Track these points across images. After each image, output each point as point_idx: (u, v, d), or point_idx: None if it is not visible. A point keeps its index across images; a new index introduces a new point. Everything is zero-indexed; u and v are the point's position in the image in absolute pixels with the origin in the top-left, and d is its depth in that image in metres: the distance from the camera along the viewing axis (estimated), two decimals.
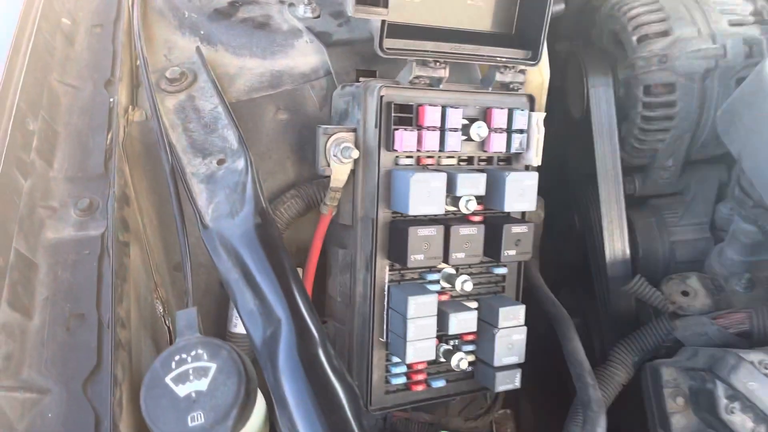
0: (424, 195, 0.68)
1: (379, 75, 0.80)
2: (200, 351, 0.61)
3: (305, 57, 0.80)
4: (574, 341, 0.77)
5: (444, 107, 0.70)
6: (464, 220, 0.75)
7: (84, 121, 0.78)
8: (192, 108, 0.76)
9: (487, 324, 0.75)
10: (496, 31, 0.76)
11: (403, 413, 0.86)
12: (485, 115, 0.74)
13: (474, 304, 0.77)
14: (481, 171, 0.73)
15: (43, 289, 0.65)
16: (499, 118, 0.74)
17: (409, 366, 0.74)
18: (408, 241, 0.68)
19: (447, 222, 0.72)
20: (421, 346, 0.70)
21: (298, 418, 0.52)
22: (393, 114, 0.69)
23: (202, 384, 0.59)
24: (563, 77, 1.01)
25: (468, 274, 0.76)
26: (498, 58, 0.74)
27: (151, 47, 0.81)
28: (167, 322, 0.73)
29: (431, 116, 0.69)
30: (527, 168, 0.78)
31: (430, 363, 0.75)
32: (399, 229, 0.70)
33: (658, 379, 0.73)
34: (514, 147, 0.75)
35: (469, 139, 0.73)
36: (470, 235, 0.72)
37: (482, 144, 0.75)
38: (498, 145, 0.74)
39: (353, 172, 0.72)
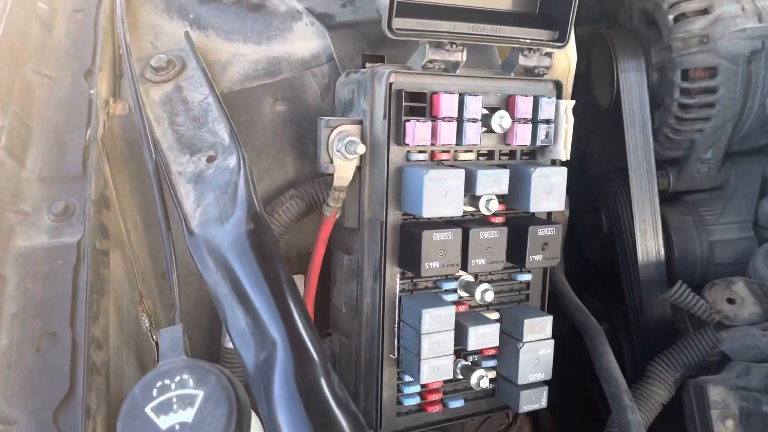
0: (440, 195, 0.60)
1: (387, 60, 0.72)
2: (185, 376, 0.53)
3: (305, 41, 0.72)
4: (608, 355, 0.69)
5: (462, 95, 0.62)
6: (484, 222, 0.66)
7: (61, 116, 0.70)
8: (180, 99, 0.68)
9: (511, 337, 0.67)
10: (519, 9, 0.67)
11: None
12: (507, 104, 0.66)
13: (495, 316, 0.69)
14: (503, 167, 0.65)
15: (12, 305, 0.58)
16: (524, 106, 0.65)
17: (423, 386, 0.67)
18: (422, 247, 0.60)
19: (465, 225, 0.64)
20: (436, 365, 0.63)
21: None
22: (404, 103, 0.61)
23: (188, 415, 0.51)
24: (587, 64, 0.93)
25: (489, 282, 0.68)
26: (521, 40, 0.65)
27: (136, 33, 0.74)
28: (154, 337, 0.65)
29: (447, 105, 0.61)
30: (554, 163, 0.69)
31: (446, 381, 0.67)
32: (411, 233, 0.62)
33: (703, 399, 0.65)
34: (540, 139, 0.67)
35: (490, 131, 0.65)
36: (491, 239, 0.64)
37: (504, 136, 0.67)
38: (522, 137, 0.66)
39: (359, 169, 0.65)
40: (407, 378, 0.66)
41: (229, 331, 0.52)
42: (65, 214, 0.63)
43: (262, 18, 0.72)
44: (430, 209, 0.60)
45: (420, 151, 0.63)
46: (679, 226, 0.85)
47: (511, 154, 0.69)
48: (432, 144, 0.62)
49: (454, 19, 0.63)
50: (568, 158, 0.68)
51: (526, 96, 0.65)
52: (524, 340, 0.66)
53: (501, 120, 0.64)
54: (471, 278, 0.68)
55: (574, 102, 0.67)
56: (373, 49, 0.72)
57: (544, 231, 0.66)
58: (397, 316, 0.65)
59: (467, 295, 0.67)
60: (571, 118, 0.67)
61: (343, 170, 0.64)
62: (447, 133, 0.62)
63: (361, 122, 0.64)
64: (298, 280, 0.76)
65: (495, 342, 0.66)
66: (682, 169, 0.87)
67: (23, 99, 0.70)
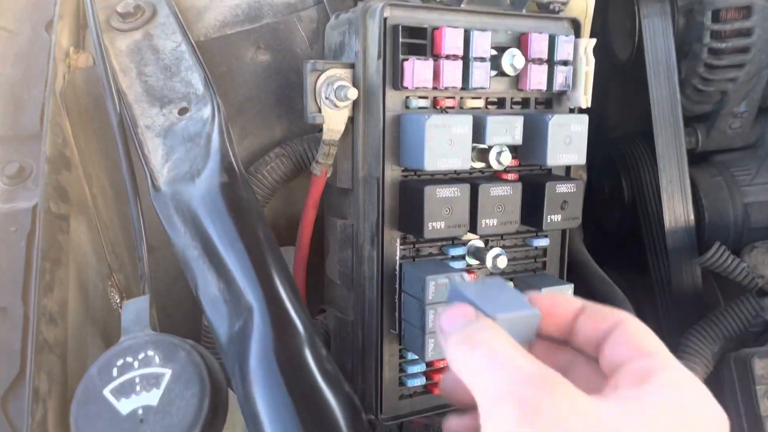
0: (444, 144, 0.52)
1: None
2: (150, 353, 0.46)
3: None
4: None
5: (468, 30, 0.54)
6: (495, 178, 0.59)
7: (19, 71, 0.63)
8: (149, 48, 0.61)
9: None
10: None
11: (421, 419, 0.71)
12: (519, 44, 0.58)
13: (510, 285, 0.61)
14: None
15: None
16: (538, 45, 0.57)
17: (428, 364, 0.59)
18: (424, 205, 0.53)
19: (474, 180, 0.56)
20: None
21: None
22: (401, 40, 0.53)
23: (153, 397, 0.44)
24: (603, 14, 0.85)
25: (501, 248, 0.60)
26: None
27: None
28: None
29: (451, 41, 0.53)
30: (573, 112, 0.61)
31: None
32: (412, 189, 0.54)
33: (747, 374, 0.58)
34: (558, 84, 0.59)
35: (500, 75, 0.57)
36: (504, 196, 0.56)
37: (516, 81, 0.59)
38: (537, 80, 0.58)
39: (352, 120, 0.57)
40: (411, 356, 0.59)
41: (200, 298, 0.45)
42: (20, 176, 0.56)
43: None
44: (432, 161, 0.52)
45: (421, 97, 0.56)
46: (710, 188, 0.77)
47: (525, 103, 0.61)
48: (434, 88, 0.54)
49: None
50: (589, 105, 0.60)
51: (540, 33, 0.57)
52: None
53: (513, 59, 0.56)
54: (481, 243, 0.60)
55: (594, 41, 0.59)
56: None
57: (563, 187, 0.58)
58: (397, 285, 0.57)
59: (477, 262, 0.60)
60: (592, 60, 0.59)
61: (334, 121, 0.56)
62: (451, 74, 0.54)
63: (353, 66, 0.56)
64: (289, 252, 0.68)
65: None
66: (712, 126, 0.78)
67: None
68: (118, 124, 0.54)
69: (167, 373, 0.45)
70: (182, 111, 0.56)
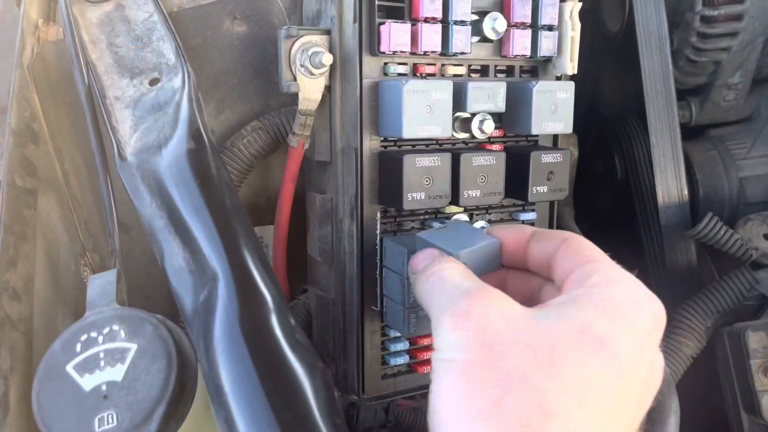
0: (423, 111, 0.50)
1: None
2: (116, 327, 0.44)
3: None
4: None
5: None
6: (478, 148, 0.57)
7: None
8: (121, 19, 0.59)
9: None
10: None
11: (409, 401, 0.69)
12: (502, 7, 0.56)
13: None
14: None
15: None
16: (521, 8, 0.55)
17: (411, 341, 0.57)
18: (403, 175, 0.51)
19: (455, 150, 0.54)
20: (426, 314, 0.53)
21: (238, 415, 0.35)
22: (377, 3, 0.51)
23: (117, 372, 0.43)
24: None
25: (487, 222, 0.58)
26: None
27: None
28: None
29: (429, 3, 0.51)
30: (559, 79, 0.59)
31: None
32: (391, 158, 0.52)
33: (741, 348, 0.56)
34: (543, 50, 0.57)
35: (482, 41, 0.55)
36: (487, 165, 0.54)
37: (499, 46, 0.57)
38: (521, 45, 0.56)
39: (328, 89, 0.55)
40: (393, 333, 0.57)
41: (166, 270, 0.43)
42: None
43: None
44: (411, 129, 0.50)
45: (400, 63, 0.54)
46: (704, 162, 0.75)
47: (509, 71, 0.59)
48: (413, 53, 0.52)
49: None
50: (575, 72, 0.58)
51: None
52: None
53: (495, 23, 0.54)
54: (465, 217, 0.58)
55: (580, 5, 0.57)
56: None
57: (549, 157, 0.56)
58: (378, 260, 0.55)
59: None
60: (578, 24, 0.57)
61: (310, 89, 0.54)
62: (430, 38, 0.52)
63: (329, 32, 0.54)
64: (269, 230, 0.67)
65: None
66: (706, 98, 0.76)
67: None
68: (87, 96, 0.52)
69: (133, 347, 0.43)
70: (153, 82, 0.54)
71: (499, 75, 0.58)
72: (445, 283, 0.38)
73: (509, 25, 0.55)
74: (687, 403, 0.55)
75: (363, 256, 0.55)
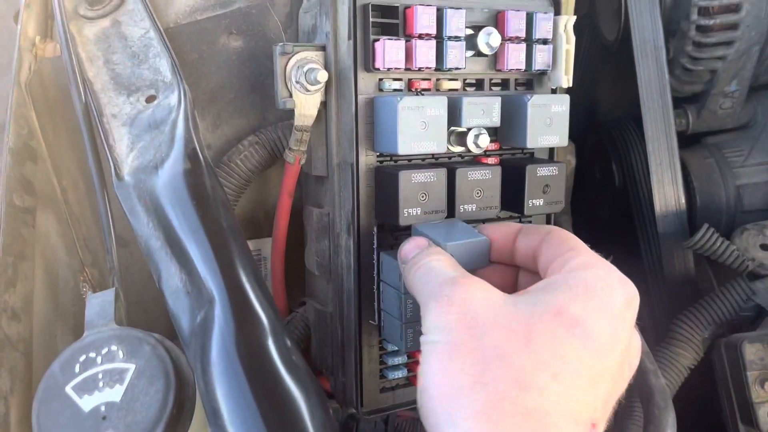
0: (419, 127, 0.51)
1: None
2: (114, 348, 0.44)
3: None
4: None
5: (441, 9, 0.52)
6: (474, 162, 0.57)
7: None
8: (117, 36, 0.59)
9: None
10: None
11: (409, 412, 0.69)
12: (496, 22, 0.56)
13: None
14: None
15: None
16: (515, 23, 0.55)
17: (409, 355, 0.57)
18: (399, 191, 0.51)
19: (451, 164, 0.54)
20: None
21: None
22: (371, 19, 0.51)
23: (116, 393, 0.43)
24: None
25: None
26: None
27: None
28: None
29: (424, 19, 0.51)
30: (555, 92, 0.60)
31: None
32: (386, 174, 0.52)
33: (738, 360, 0.56)
34: (538, 63, 0.57)
35: (477, 55, 0.55)
36: (482, 180, 0.54)
37: (494, 60, 0.57)
38: (515, 59, 0.56)
39: (324, 104, 0.55)
40: (391, 347, 0.57)
41: (163, 291, 0.43)
42: None
43: None
44: (406, 145, 0.50)
45: (395, 79, 0.54)
46: (701, 170, 0.75)
47: (504, 84, 0.59)
48: (407, 69, 0.52)
49: None
50: (570, 85, 0.58)
51: (518, 11, 0.55)
52: None
53: (489, 38, 0.54)
54: None
55: (575, 18, 0.57)
56: None
57: (545, 170, 0.56)
58: (375, 275, 0.56)
59: None
60: (572, 38, 0.57)
61: (305, 105, 0.54)
62: (425, 54, 0.52)
63: (324, 48, 0.54)
64: (267, 243, 0.67)
65: None
66: (703, 106, 0.76)
67: None
68: (84, 113, 0.52)
69: (131, 368, 0.43)
70: (150, 99, 0.54)
71: (494, 88, 0.58)
72: (431, 272, 0.40)
73: (504, 40, 0.55)
74: (684, 415, 0.55)
75: (360, 270, 0.55)
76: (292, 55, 0.53)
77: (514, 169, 0.56)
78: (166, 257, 0.43)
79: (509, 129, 0.56)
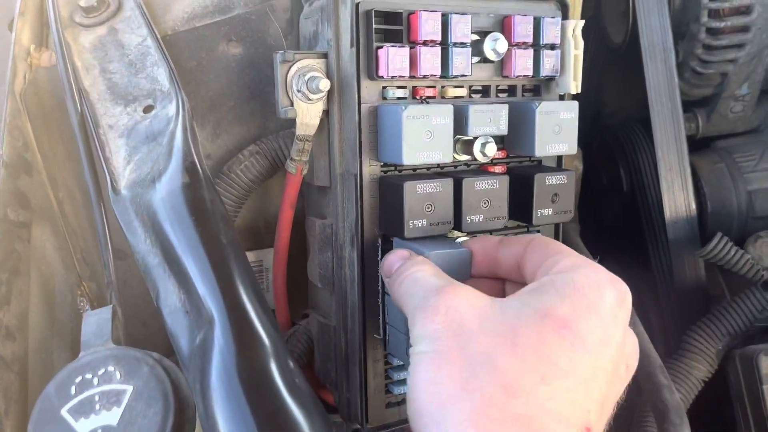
0: (424, 137, 0.49)
1: None
2: (111, 368, 0.43)
3: None
4: (637, 326, 0.57)
5: (446, 14, 0.51)
6: (481, 171, 0.55)
7: None
8: (114, 44, 0.58)
9: None
10: None
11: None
12: (503, 27, 0.55)
13: None
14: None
15: None
16: (522, 28, 0.54)
17: None
18: (404, 202, 0.49)
19: (457, 174, 0.53)
20: None
21: None
22: (374, 26, 0.50)
23: (113, 416, 0.41)
24: None
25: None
26: None
27: None
28: None
29: (428, 26, 0.50)
30: (563, 98, 0.58)
31: None
32: (391, 185, 0.51)
33: (754, 372, 0.55)
34: (546, 69, 0.55)
35: (483, 61, 0.54)
36: (490, 190, 0.53)
37: (501, 67, 0.55)
38: (522, 65, 0.54)
39: (327, 113, 0.54)
40: (396, 362, 0.56)
41: (161, 309, 0.42)
42: None
43: None
44: (411, 155, 0.49)
45: (399, 87, 0.52)
46: (712, 175, 0.74)
47: (511, 91, 0.57)
48: (412, 76, 0.51)
49: None
50: (579, 91, 0.56)
51: (525, 15, 0.54)
52: None
53: (496, 44, 0.52)
54: (467, 239, 0.57)
55: (583, 22, 0.56)
56: None
57: (554, 179, 0.55)
58: (380, 288, 0.54)
59: None
60: (581, 43, 0.56)
61: (307, 114, 0.53)
62: (429, 61, 0.51)
63: (326, 56, 0.53)
64: (269, 254, 0.65)
65: None
66: (713, 110, 0.75)
67: None
68: (79, 124, 0.51)
69: (128, 389, 0.42)
70: (147, 109, 0.53)
71: (500, 95, 0.57)
72: (417, 283, 0.40)
73: (510, 45, 0.54)
74: (697, 429, 0.54)
75: (364, 283, 0.53)
76: (293, 63, 0.52)
77: (522, 178, 0.54)
78: (164, 275, 0.41)
79: (517, 137, 0.54)
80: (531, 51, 0.55)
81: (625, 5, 0.74)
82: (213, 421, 0.36)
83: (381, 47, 0.50)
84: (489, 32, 0.53)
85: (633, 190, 0.81)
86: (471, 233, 0.57)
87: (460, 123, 0.51)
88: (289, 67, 0.52)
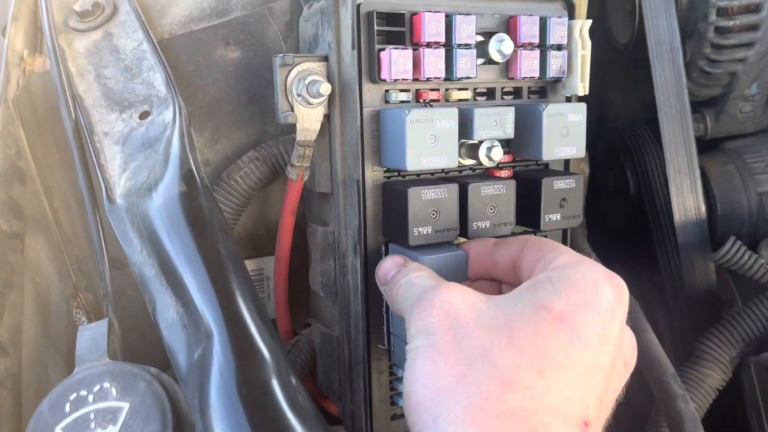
0: (428, 141, 0.48)
1: None
2: (107, 385, 0.41)
3: None
4: (648, 333, 0.56)
5: (449, 15, 0.49)
6: (486, 176, 0.54)
7: None
8: (109, 49, 0.56)
9: None
10: None
11: None
12: (508, 28, 0.53)
13: None
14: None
15: None
16: (528, 28, 0.52)
17: None
18: (408, 209, 0.48)
19: (462, 179, 0.51)
20: None
21: None
22: (376, 28, 0.48)
23: None
24: None
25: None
26: None
27: None
28: None
29: (432, 27, 0.48)
30: (570, 100, 0.57)
31: None
32: (395, 191, 0.49)
33: None
34: (552, 70, 0.54)
35: (488, 63, 0.52)
36: (496, 195, 0.51)
37: (506, 69, 0.54)
38: (528, 67, 0.53)
39: (327, 118, 0.52)
40: (401, 372, 0.54)
41: (158, 323, 0.40)
42: None
43: None
44: (415, 161, 0.47)
45: (402, 90, 0.51)
46: (721, 177, 0.72)
47: (517, 93, 0.56)
48: (415, 79, 0.50)
49: None
50: (587, 92, 0.55)
51: (530, 16, 0.52)
52: None
53: (501, 45, 0.51)
54: None
55: (590, 22, 0.54)
56: None
57: (562, 183, 0.53)
58: (384, 297, 0.52)
59: None
60: (588, 43, 0.54)
61: (308, 119, 0.51)
62: (433, 63, 0.49)
63: (326, 59, 0.51)
64: (270, 261, 0.64)
65: None
66: (722, 110, 0.73)
67: None
68: (74, 131, 0.50)
69: (125, 407, 0.40)
70: (143, 115, 0.51)
71: (505, 97, 0.55)
72: (414, 287, 0.40)
73: (516, 46, 0.52)
74: None
75: (368, 292, 0.52)
76: (293, 67, 0.51)
77: (529, 182, 0.53)
78: (161, 287, 0.40)
79: (523, 140, 0.53)
80: (537, 52, 0.53)
81: (631, 4, 0.73)
82: None
83: (383, 49, 0.48)
84: (494, 33, 0.52)
85: (640, 193, 0.80)
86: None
87: (464, 127, 0.50)
88: (289, 71, 0.51)
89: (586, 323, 0.34)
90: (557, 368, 0.32)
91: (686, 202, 0.69)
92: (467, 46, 0.50)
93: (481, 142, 0.51)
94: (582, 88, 0.55)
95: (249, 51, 0.59)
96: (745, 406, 0.56)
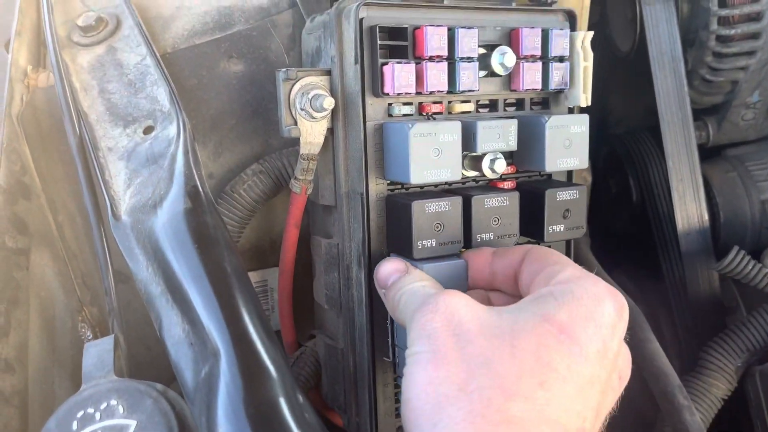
0: (431, 154, 0.48)
1: None
2: (114, 402, 0.41)
3: None
4: (652, 343, 0.56)
5: (452, 29, 0.49)
6: (490, 187, 0.54)
7: None
8: (113, 63, 0.56)
9: None
10: None
11: None
12: (510, 40, 0.53)
13: None
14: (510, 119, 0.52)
15: None
16: (530, 41, 0.52)
17: None
18: (412, 222, 0.48)
19: (466, 191, 0.51)
20: None
21: None
22: (379, 42, 0.48)
23: None
24: (601, 3, 0.80)
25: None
26: None
27: None
28: None
29: (434, 41, 0.49)
30: (572, 111, 0.57)
31: None
32: (398, 205, 0.49)
33: None
34: (554, 82, 0.54)
35: (490, 75, 0.53)
36: (500, 207, 0.51)
37: (509, 81, 0.54)
38: (531, 79, 0.53)
39: (331, 131, 0.52)
40: None
41: (164, 340, 0.40)
42: None
43: None
44: (419, 174, 0.48)
45: (405, 104, 0.51)
46: (724, 184, 0.72)
47: (519, 104, 0.56)
48: (418, 93, 0.50)
49: None
50: (589, 104, 0.55)
51: (532, 28, 0.53)
52: None
53: (503, 57, 0.51)
54: None
55: (592, 34, 0.54)
56: None
57: (565, 194, 0.53)
58: None
59: None
60: (590, 54, 0.54)
61: (311, 133, 0.51)
62: (436, 77, 0.49)
63: (329, 72, 0.52)
64: (274, 273, 0.64)
65: None
66: (724, 118, 0.73)
67: None
68: (78, 147, 0.50)
69: (132, 424, 0.40)
70: (147, 130, 0.52)
71: (508, 109, 0.55)
72: (416, 294, 0.40)
73: (518, 59, 0.52)
74: None
75: (372, 304, 0.52)
76: (296, 81, 0.51)
77: (532, 193, 0.53)
78: (167, 304, 0.40)
79: (526, 152, 0.53)
80: (539, 64, 0.53)
81: (631, 13, 0.73)
82: None
83: (386, 63, 0.48)
84: (496, 46, 0.52)
85: (643, 201, 0.80)
86: None
87: (468, 139, 0.50)
88: (292, 85, 0.51)
89: (588, 336, 0.34)
90: (558, 380, 0.33)
91: (689, 210, 0.69)
92: (470, 59, 0.50)
93: (484, 154, 0.51)
94: (584, 99, 0.55)
95: (252, 64, 0.59)
96: (751, 415, 0.56)
